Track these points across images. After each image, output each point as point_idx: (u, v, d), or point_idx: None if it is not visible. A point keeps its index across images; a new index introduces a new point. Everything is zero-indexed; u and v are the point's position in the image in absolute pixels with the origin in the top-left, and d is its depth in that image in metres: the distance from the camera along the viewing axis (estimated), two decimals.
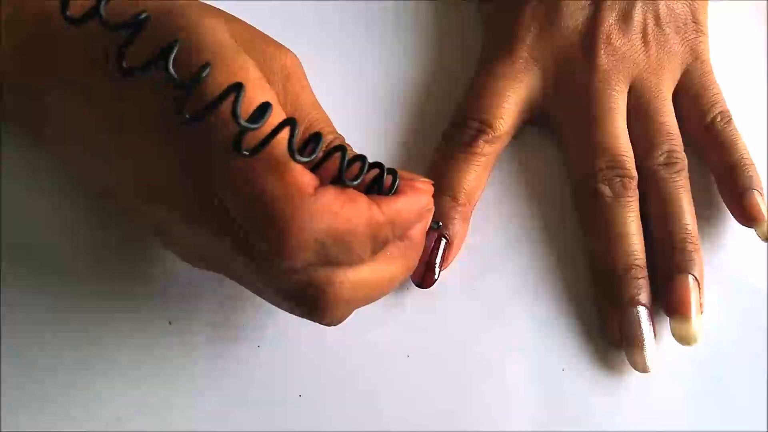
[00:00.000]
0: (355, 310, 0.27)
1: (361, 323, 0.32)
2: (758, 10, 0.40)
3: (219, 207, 0.22)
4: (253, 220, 0.21)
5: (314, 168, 0.23)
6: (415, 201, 0.25)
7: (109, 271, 0.31)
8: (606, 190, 0.33)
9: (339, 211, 0.22)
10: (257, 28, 0.27)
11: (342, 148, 0.22)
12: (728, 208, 0.34)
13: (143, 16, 0.18)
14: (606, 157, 0.33)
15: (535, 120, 0.35)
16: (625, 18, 0.34)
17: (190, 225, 0.24)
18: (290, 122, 0.20)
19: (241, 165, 0.21)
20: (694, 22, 0.36)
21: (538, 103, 0.35)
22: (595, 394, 0.32)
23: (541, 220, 0.34)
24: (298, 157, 0.20)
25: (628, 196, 0.33)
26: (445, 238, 0.32)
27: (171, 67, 0.19)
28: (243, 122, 0.19)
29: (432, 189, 0.27)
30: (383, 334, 0.32)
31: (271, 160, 0.21)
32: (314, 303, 0.24)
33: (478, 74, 0.35)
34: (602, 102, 0.33)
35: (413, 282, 0.32)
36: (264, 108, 0.20)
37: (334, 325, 0.26)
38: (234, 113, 0.19)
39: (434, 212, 0.32)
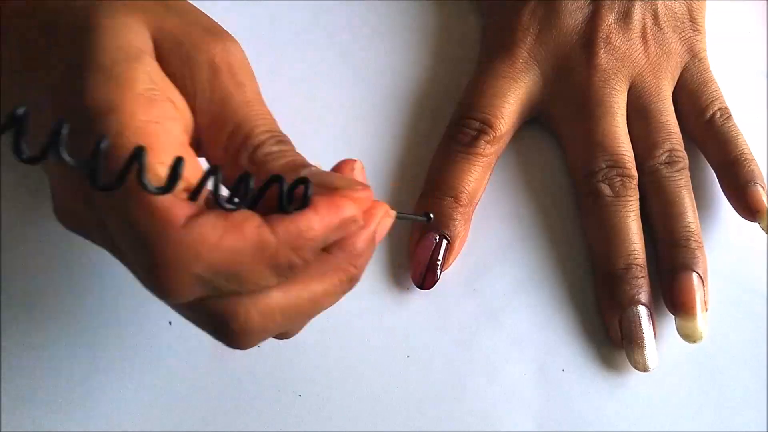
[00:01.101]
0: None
1: (361, 323, 0.32)
2: (758, 10, 0.40)
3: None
4: (134, 260, 0.20)
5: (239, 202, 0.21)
6: (327, 216, 0.22)
7: (110, 271, 0.31)
8: (606, 189, 0.33)
9: (217, 241, 0.20)
10: (201, 16, 0.25)
11: (215, 169, 0.20)
12: (730, 202, 0.34)
13: (20, 112, 0.17)
14: (606, 156, 0.33)
15: (536, 120, 0.35)
16: (625, 18, 0.35)
17: (103, 245, 0.23)
18: (138, 154, 0.18)
19: (118, 202, 0.20)
20: (691, 21, 0.36)
21: (538, 103, 0.35)
22: (595, 394, 0.32)
23: (541, 220, 0.34)
24: (151, 187, 0.19)
25: (629, 196, 0.33)
26: (447, 239, 0.32)
27: (65, 156, 0.18)
28: (153, 189, 0.18)
29: (365, 195, 0.24)
30: (383, 334, 0.32)
31: (134, 192, 0.19)
32: (223, 334, 0.22)
33: (477, 74, 0.35)
34: (602, 101, 0.33)
35: (414, 283, 0.32)
36: (177, 166, 0.18)
37: (246, 348, 0.24)
38: (142, 183, 0.18)
39: (435, 214, 0.32)
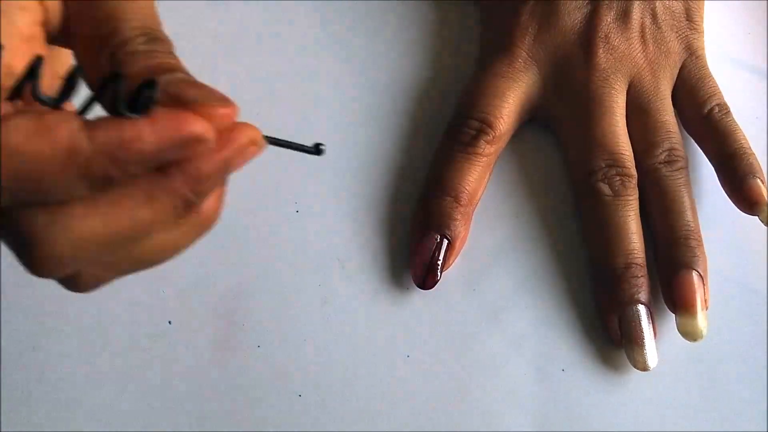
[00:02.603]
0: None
1: (361, 323, 0.32)
2: (758, 10, 0.40)
3: None
4: None
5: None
6: (165, 127, 0.18)
7: None
8: (606, 188, 0.33)
9: (24, 145, 0.17)
10: None
11: (38, 60, 0.18)
12: (729, 195, 0.34)
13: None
14: (605, 155, 0.33)
15: (535, 119, 0.35)
16: (624, 17, 0.35)
17: None
18: None
19: None
20: (689, 20, 0.36)
21: (537, 103, 0.35)
22: (595, 394, 0.32)
23: (541, 220, 0.34)
24: None
25: (628, 195, 0.33)
26: (447, 239, 0.32)
27: None
28: None
29: (225, 113, 0.20)
30: (383, 334, 0.32)
31: None
32: (24, 255, 0.20)
33: (477, 74, 0.35)
34: (601, 101, 0.33)
35: (415, 283, 0.32)
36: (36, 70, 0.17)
37: (49, 277, 0.21)
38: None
39: (435, 214, 0.32)
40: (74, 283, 0.22)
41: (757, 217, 0.33)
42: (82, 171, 0.18)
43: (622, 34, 0.34)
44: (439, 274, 0.32)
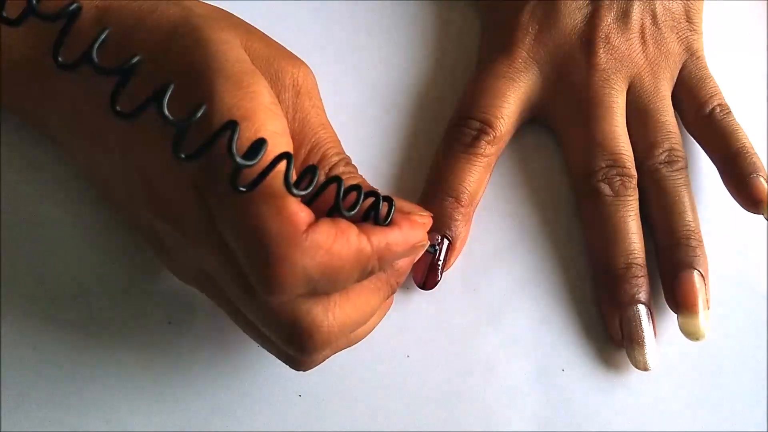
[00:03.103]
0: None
1: None
2: (758, 10, 0.40)
3: (219, 233, 0.22)
4: (248, 254, 0.21)
5: (313, 198, 0.23)
6: (408, 235, 0.25)
7: (109, 271, 0.31)
8: (606, 189, 0.33)
9: (330, 246, 0.22)
10: (273, 39, 0.27)
11: (338, 179, 0.22)
12: (732, 194, 0.33)
13: (134, 60, 0.18)
14: (606, 156, 0.33)
15: (535, 119, 0.35)
16: (624, 18, 0.35)
17: (190, 245, 0.24)
18: (286, 156, 0.20)
19: (240, 199, 0.21)
20: (688, 21, 0.36)
21: (537, 103, 0.35)
22: (595, 394, 0.32)
23: (541, 220, 0.34)
24: (294, 191, 0.20)
25: (628, 195, 0.33)
26: (448, 239, 0.32)
27: (165, 110, 0.19)
28: (238, 159, 0.19)
29: (430, 223, 0.27)
30: (383, 334, 0.32)
31: (269, 195, 0.21)
32: (300, 339, 0.24)
33: (477, 74, 0.35)
34: (601, 101, 0.33)
35: (416, 284, 0.32)
36: (260, 144, 0.20)
37: (309, 368, 0.26)
38: (229, 151, 0.19)
39: (436, 215, 0.32)
40: (308, 363, 0.26)
41: (760, 215, 0.33)
42: (363, 267, 0.23)
43: (622, 34, 0.34)
44: (440, 274, 0.32)
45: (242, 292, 0.23)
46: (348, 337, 0.27)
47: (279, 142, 0.22)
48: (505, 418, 0.31)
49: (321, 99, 0.27)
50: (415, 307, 0.32)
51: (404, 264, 0.27)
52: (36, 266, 0.30)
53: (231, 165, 0.19)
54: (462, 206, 0.32)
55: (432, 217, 0.28)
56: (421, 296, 0.33)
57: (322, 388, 0.31)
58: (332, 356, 0.30)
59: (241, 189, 0.20)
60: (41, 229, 0.31)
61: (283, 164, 0.20)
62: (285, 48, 0.27)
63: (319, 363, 0.27)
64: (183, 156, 0.19)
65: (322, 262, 0.22)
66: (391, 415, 0.31)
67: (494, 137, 0.33)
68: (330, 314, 0.24)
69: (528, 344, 0.32)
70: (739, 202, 0.33)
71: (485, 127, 0.33)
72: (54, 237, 0.31)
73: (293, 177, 0.21)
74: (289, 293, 0.22)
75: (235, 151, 0.19)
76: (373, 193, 0.24)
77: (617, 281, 0.32)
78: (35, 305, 0.30)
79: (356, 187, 0.23)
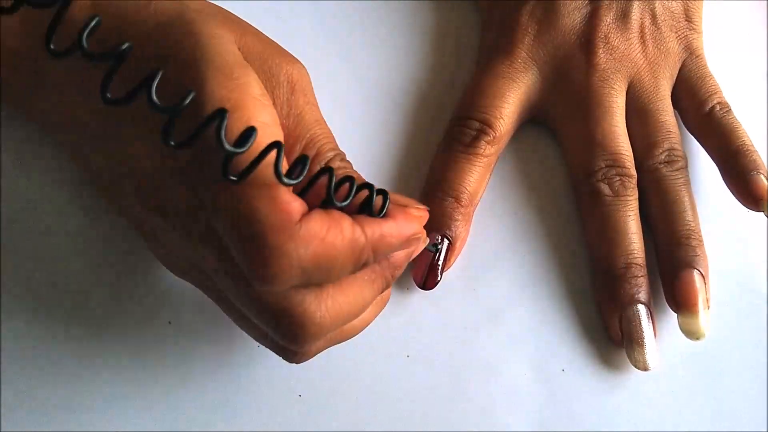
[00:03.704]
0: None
1: None
2: (758, 10, 0.40)
3: (210, 224, 0.22)
4: (241, 244, 0.21)
5: (305, 188, 0.23)
6: (404, 227, 0.25)
7: (110, 271, 0.31)
8: (605, 189, 0.33)
9: (324, 236, 0.22)
10: (267, 36, 0.27)
11: (329, 169, 0.22)
12: (732, 192, 0.33)
13: (124, 47, 0.18)
14: (605, 156, 0.33)
15: (535, 119, 0.35)
16: (623, 18, 0.35)
17: (181, 235, 0.24)
18: (276, 145, 0.20)
19: (231, 188, 0.21)
20: (688, 20, 0.36)
21: (537, 103, 0.35)
22: (595, 394, 0.32)
23: (541, 220, 0.34)
24: (285, 180, 0.20)
25: (628, 195, 0.33)
26: (448, 239, 0.32)
27: (153, 96, 0.19)
28: (228, 147, 0.19)
29: (426, 216, 0.27)
30: (383, 334, 0.32)
31: (260, 184, 0.21)
32: (292, 330, 0.24)
33: (477, 75, 0.35)
34: (601, 101, 0.33)
35: (416, 284, 0.32)
36: (249, 132, 0.20)
37: (302, 360, 0.26)
38: (218, 139, 0.19)
39: (436, 215, 0.32)
40: (301, 355, 0.26)
41: (761, 213, 0.33)
42: (356, 257, 0.23)
43: (621, 34, 0.34)
44: (440, 274, 0.32)
45: (235, 284, 0.23)
46: (342, 330, 0.26)
47: (269, 132, 0.22)
48: (505, 418, 0.31)
49: (315, 96, 0.27)
50: (415, 307, 0.32)
51: (400, 257, 0.26)
52: (36, 266, 0.30)
53: (222, 153, 0.19)
54: (462, 206, 0.32)
55: (428, 210, 0.28)
56: (421, 296, 0.33)
57: (322, 388, 0.31)
58: (332, 357, 0.30)
59: (232, 178, 0.20)
60: (41, 229, 0.31)
61: (273, 154, 0.20)
62: (279, 45, 0.27)
63: (313, 355, 0.26)
64: (173, 143, 0.19)
65: (317, 252, 0.21)
66: (391, 415, 0.31)
67: (494, 137, 0.33)
68: (323, 305, 0.24)
69: (528, 344, 0.32)
70: (739, 200, 0.33)
71: (485, 127, 0.33)
72: (54, 237, 0.31)
73: (285, 167, 0.21)
74: (283, 284, 0.22)
75: (224, 138, 0.19)
76: (367, 185, 0.24)
77: (617, 281, 0.32)
78: (35, 305, 0.30)
79: (349, 178, 0.23)
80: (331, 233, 0.22)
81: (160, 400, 0.30)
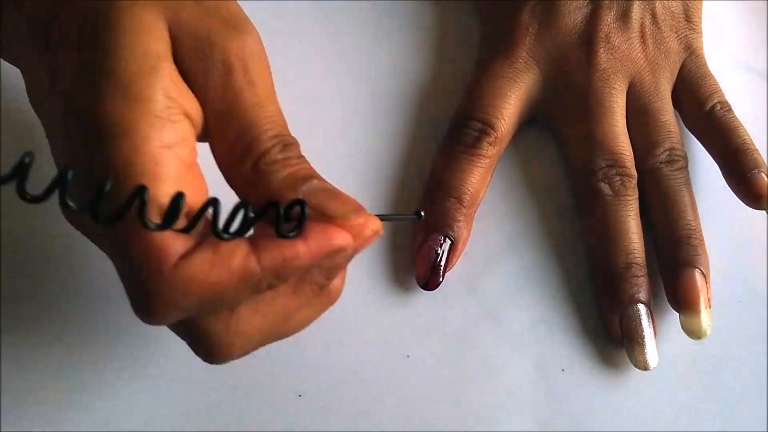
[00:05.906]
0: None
1: (361, 323, 0.32)
2: (758, 10, 0.40)
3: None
4: (124, 281, 0.21)
5: (190, 226, 0.21)
6: (318, 245, 0.22)
7: (110, 271, 0.31)
8: (606, 188, 0.33)
9: (206, 275, 0.20)
10: (217, 4, 0.24)
11: (214, 201, 0.20)
12: (733, 190, 0.33)
13: (27, 161, 0.18)
14: (606, 155, 0.33)
15: (535, 119, 0.35)
16: (624, 17, 0.35)
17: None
18: (140, 193, 0.19)
19: (115, 230, 0.20)
20: (687, 20, 0.36)
21: (537, 103, 0.35)
22: (595, 394, 0.32)
23: (541, 220, 0.34)
24: (150, 225, 0.19)
25: (628, 195, 0.33)
26: (450, 240, 0.32)
27: (68, 200, 0.19)
28: (152, 226, 0.19)
29: (364, 224, 0.23)
30: (383, 334, 0.32)
31: (137, 228, 0.20)
32: (200, 353, 0.23)
33: (477, 75, 0.35)
34: (602, 101, 0.33)
35: (418, 284, 0.32)
36: (176, 204, 0.19)
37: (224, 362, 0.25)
38: (143, 223, 0.19)
39: (438, 215, 0.32)
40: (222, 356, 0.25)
41: (761, 211, 0.33)
42: (253, 287, 0.22)
43: (622, 34, 0.34)
44: (442, 275, 0.32)
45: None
46: (276, 332, 0.25)
47: (165, 157, 0.21)
48: (505, 418, 0.31)
49: (265, 70, 0.24)
50: (415, 307, 0.32)
51: (339, 261, 0.24)
52: (36, 266, 0.30)
53: (90, 194, 0.19)
54: (464, 207, 0.32)
55: (365, 213, 0.24)
56: (421, 296, 0.33)
57: (322, 388, 0.31)
58: (332, 357, 0.30)
59: (103, 220, 0.19)
60: (41, 229, 0.31)
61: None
62: (229, 15, 0.24)
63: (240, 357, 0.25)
64: (101, 221, 0.19)
65: (197, 293, 0.21)
66: (391, 415, 0.31)
67: (496, 138, 0.33)
68: (231, 328, 0.23)
69: (528, 344, 0.32)
70: (740, 198, 0.33)
71: (486, 127, 0.33)
72: (54, 237, 0.31)
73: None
74: (163, 321, 0.21)
75: (148, 220, 0.19)
76: (272, 203, 0.21)
77: (617, 281, 0.32)
78: (35, 305, 0.30)
79: (243, 204, 0.21)
80: (215, 271, 0.20)
81: (159, 400, 0.30)
